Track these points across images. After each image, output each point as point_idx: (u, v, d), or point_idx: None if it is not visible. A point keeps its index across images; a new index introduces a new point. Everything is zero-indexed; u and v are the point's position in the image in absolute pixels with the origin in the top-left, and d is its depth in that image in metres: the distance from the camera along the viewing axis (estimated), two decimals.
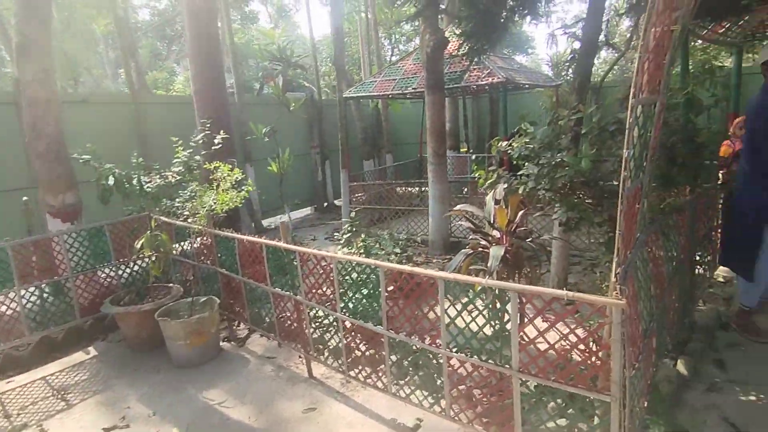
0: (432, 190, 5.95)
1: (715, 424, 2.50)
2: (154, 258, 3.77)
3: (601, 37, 3.96)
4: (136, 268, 4.46)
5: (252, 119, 7.77)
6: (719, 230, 4.42)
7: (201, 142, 4.50)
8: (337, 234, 6.29)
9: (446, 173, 5.88)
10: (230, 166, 3.87)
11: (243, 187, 3.77)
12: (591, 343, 1.89)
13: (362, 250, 4.05)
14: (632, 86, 1.59)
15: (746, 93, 7.40)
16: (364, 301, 2.82)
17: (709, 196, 3.71)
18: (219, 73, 6.01)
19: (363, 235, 4.24)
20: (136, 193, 3.96)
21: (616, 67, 11.54)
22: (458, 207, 3.05)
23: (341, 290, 2.83)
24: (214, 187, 3.78)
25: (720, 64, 8.06)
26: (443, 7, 5.52)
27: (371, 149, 10.58)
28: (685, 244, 3.24)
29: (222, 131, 4.43)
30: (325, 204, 9.74)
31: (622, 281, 1.77)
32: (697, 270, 3.74)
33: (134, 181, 3.98)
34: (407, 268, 2.37)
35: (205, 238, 4.06)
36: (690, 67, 8.48)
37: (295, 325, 3.33)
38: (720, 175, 3.99)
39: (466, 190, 8.66)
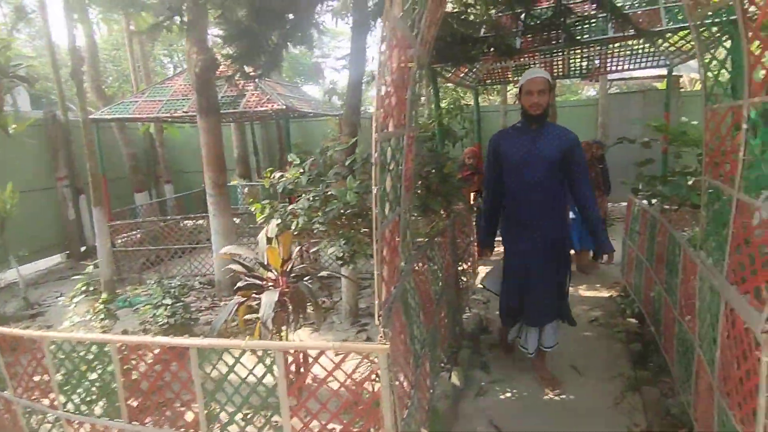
0: (214, 225, 5.33)
1: (484, 429, 2.71)
2: None
3: (369, 72, 4.17)
4: None
5: None
6: (476, 243, 5.17)
7: None
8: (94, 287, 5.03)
9: (229, 205, 5.36)
10: None
11: None
12: (362, 394, 1.75)
13: (102, 315, 3.21)
14: (373, 121, 1.53)
15: (486, 128, 9.15)
16: (98, 387, 2.14)
17: (463, 215, 4.23)
18: None
19: (104, 295, 3.39)
20: None
21: None
22: (225, 249, 2.65)
23: (61, 378, 2.09)
24: None
25: (467, 103, 9.75)
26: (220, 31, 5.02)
27: (145, 179, 9.14)
28: (449, 261, 3.57)
29: None
30: (83, 249, 7.88)
31: (386, 323, 1.68)
32: (461, 281, 4.20)
33: None
34: (148, 339, 1.86)
35: None
36: (446, 103, 10.01)
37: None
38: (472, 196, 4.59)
39: None
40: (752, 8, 1.69)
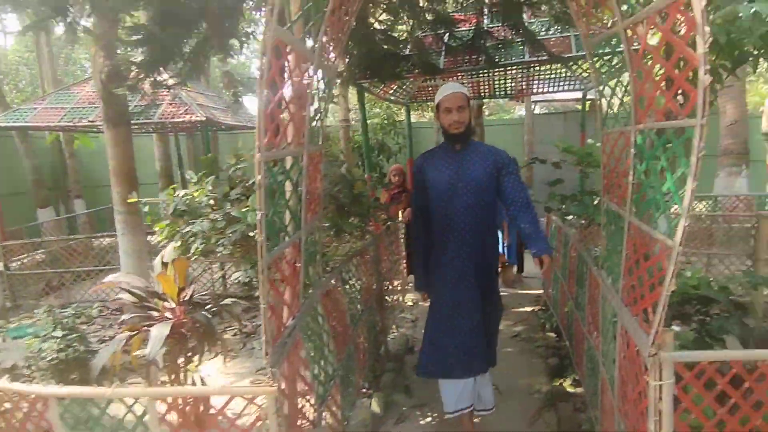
0: (123, 244, 4.86)
1: None
2: None
3: None
4: None
5: None
6: (405, 260, 5.13)
7: None
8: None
9: (140, 222, 4.92)
10: None
11: None
12: None
13: None
14: (256, 140, 1.39)
15: (420, 143, 9.28)
16: None
17: (388, 234, 4.16)
18: None
19: None
20: None
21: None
22: (110, 278, 2.37)
23: None
24: None
25: (400, 119, 9.87)
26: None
27: (51, 194, 8.30)
28: (371, 281, 3.47)
29: None
30: None
31: (275, 362, 1.53)
32: (387, 300, 4.10)
33: None
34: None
35: None
36: (380, 119, 10.05)
37: None
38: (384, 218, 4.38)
39: None
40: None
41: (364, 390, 3.20)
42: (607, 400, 2.19)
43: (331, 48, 1.93)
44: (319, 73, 1.88)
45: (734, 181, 6.84)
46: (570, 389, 3.19)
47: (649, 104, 1.60)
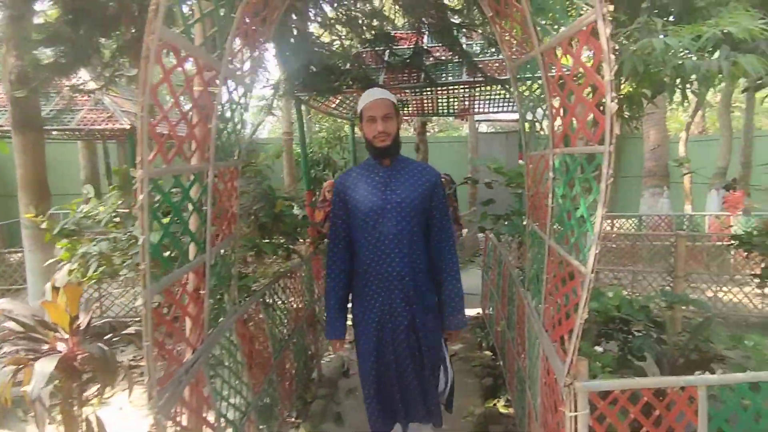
0: (30, 262, 4.41)
1: None
2: None
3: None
4: None
5: None
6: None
7: None
8: None
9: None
10: None
11: None
12: None
13: None
14: (137, 155, 1.23)
15: (363, 158, 9.26)
16: None
17: (322, 253, 4.01)
18: None
19: None
20: None
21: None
22: None
23: None
24: None
25: (346, 134, 9.80)
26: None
27: None
28: (303, 303, 3.30)
29: None
30: None
31: (164, 407, 1.34)
32: (322, 321, 3.93)
33: None
34: None
35: None
36: (326, 133, 9.93)
37: None
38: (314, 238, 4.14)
39: None
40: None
41: (292, 420, 3.01)
42: (533, 425, 2.16)
43: (244, 57, 1.81)
44: (231, 83, 1.74)
45: (657, 201, 7.32)
46: (503, 410, 3.16)
47: (565, 129, 1.60)
